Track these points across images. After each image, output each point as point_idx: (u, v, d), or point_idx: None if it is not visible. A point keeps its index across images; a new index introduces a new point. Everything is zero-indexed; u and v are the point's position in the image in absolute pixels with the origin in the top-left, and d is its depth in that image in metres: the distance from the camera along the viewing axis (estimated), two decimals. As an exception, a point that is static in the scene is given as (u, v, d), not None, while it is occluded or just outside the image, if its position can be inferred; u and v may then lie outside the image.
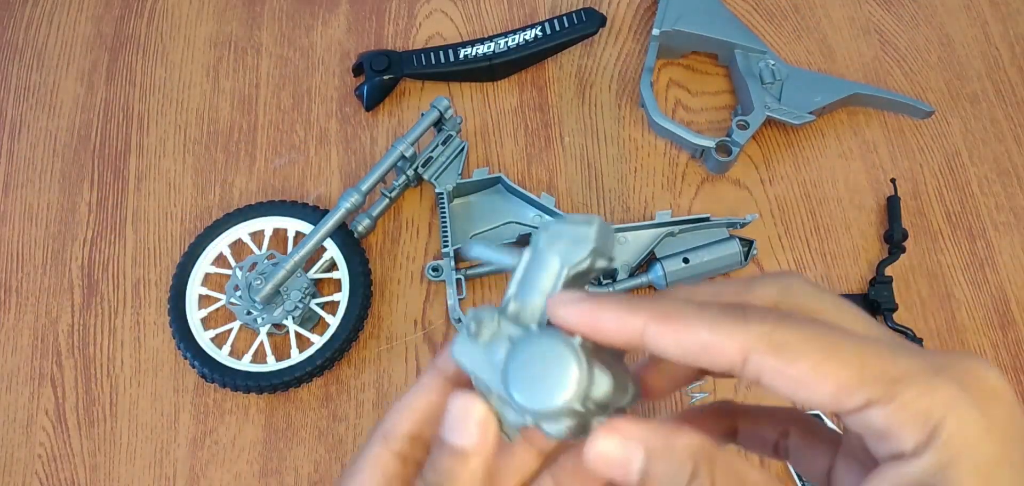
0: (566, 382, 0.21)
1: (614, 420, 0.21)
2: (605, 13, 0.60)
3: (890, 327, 0.52)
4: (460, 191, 0.53)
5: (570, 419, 0.22)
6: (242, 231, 0.52)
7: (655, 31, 0.58)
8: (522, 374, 0.22)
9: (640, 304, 0.22)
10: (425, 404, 0.25)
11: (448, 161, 0.53)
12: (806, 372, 0.20)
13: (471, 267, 0.52)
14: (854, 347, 0.20)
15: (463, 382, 0.24)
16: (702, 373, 0.25)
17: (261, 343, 0.50)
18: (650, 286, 0.52)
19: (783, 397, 0.20)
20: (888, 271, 0.53)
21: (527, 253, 0.25)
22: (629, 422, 0.21)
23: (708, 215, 0.53)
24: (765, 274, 0.24)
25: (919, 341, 0.51)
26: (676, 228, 0.52)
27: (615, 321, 0.22)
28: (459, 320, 0.50)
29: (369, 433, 0.25)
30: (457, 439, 0.23)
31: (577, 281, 0.24)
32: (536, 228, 0.51)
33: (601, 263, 0.25)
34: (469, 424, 0.23)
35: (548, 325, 0.23)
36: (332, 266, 0.52)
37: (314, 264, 0.51)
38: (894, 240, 0.54)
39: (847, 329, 0.21)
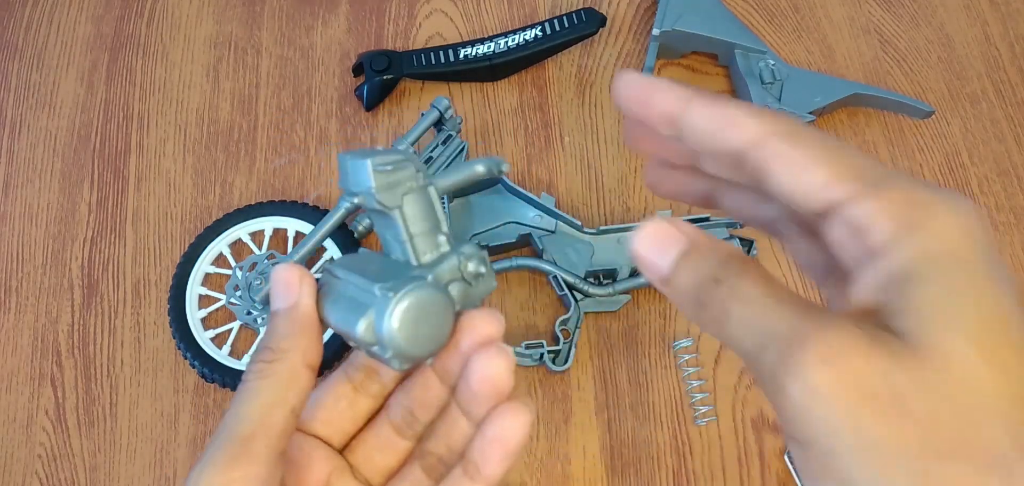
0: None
1: (659, 220, 0.24)
2: (605, 13, 0.60)
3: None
4: (460, 191, 0.54)
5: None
6: (242, 231, 0.52)
7: (655, 31, 0.58)
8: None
9: (684, 87, 0.24)
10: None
11: (448, 161, 0.53)
12: (807, 158, 0.21)
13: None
14: (851, 152, 0.22)
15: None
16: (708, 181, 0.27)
17: (261, 343, 0.50)
18: (650, 286, 0.52)
19: (779, 183, 0.22)
20: (888, 271, 0.53)
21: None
22: (669, 222, 0.23)
23: (708, 215, 0.53)
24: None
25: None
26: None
27: (668, 94, 0.24)
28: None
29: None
30: (282, 303, 0.28)
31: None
32: (536, 228, 0.52)
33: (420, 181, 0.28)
34: (290, 285, 0.27)
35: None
36: (332, 266, 0.52)
37: (314, 264, 0.51)
38: (894, 240, 0.54)
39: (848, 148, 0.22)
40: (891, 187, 0.21)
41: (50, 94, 0.59)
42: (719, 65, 0.61)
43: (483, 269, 0.28)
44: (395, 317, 0.24)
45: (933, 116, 0.59)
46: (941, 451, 0.18)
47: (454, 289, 0.27)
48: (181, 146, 0.57)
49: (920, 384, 0.19)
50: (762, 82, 0.57)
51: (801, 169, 0.21)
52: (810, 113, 0.56)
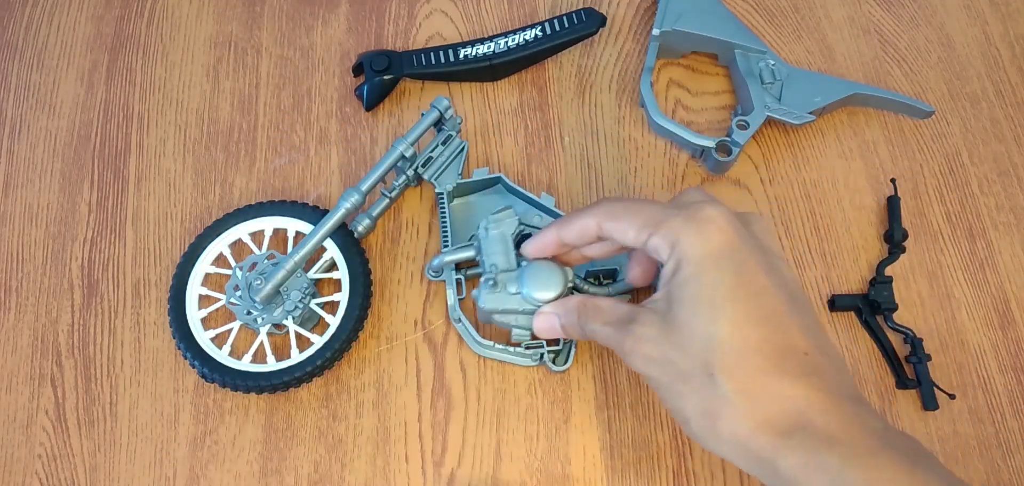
0: (558, 280, 0.45)
1: (542, 309, 0.45)
2: (605, 13, 0.60)
3: (890, 327, 0.52)
4: (460, 191, 0.54)
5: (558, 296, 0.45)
6: (242, 231, 0.52)
7: (655, 31, 0.58)
8: (532, 282, 0.45)
9: (555, 229, 0.44)
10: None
11: (448, 161, 0.53)
12: (622, 223, 0.39)
13: (469, 267, 0.52)
14: (649, 207, 0.39)
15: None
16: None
17: (261, 343, 0.50)
18: (650, 287, 0.52)
19: (618, 239, 0.40)
20: (888, 271, 0.53)
21: (479, 240, 0.48)
22: (548, 307, 0.45)
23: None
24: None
25: (919, 341, 0.51)
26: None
27: (552, 241, 0.44)
28: (459, 320, 0.50)
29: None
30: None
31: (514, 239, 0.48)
32: (536, 228, 0.52)
33: (520, 225, 0.49)
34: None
35: (520, 261, 0.47)
36: (332, 266, 0.52)
37: (314, 264, 0.51)
38: (894, 240, 0.54)
39: (650, 204, 0.40)
40: (663, 223, 0.37)
41: (50, 94, 0.59)
42: (719, 65, 0.61)
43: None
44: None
45: (933, 116, 0.59)
46: (678, 380, 0.36)
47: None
48: (181, 146, 0.57)
49: (673, 344, 0.36)
50: (762, 82, 0.57)
51: (620, 230, 0.40)
52: (810, 113, 0.56)
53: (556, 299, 0.44)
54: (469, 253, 0.49)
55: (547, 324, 0.43)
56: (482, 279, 0.47)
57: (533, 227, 0.52)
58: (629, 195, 0.56)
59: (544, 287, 0.45)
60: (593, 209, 0.41)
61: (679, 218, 0.36)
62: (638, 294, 0.52)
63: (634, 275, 0.46)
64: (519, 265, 0.46)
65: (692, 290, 0.35)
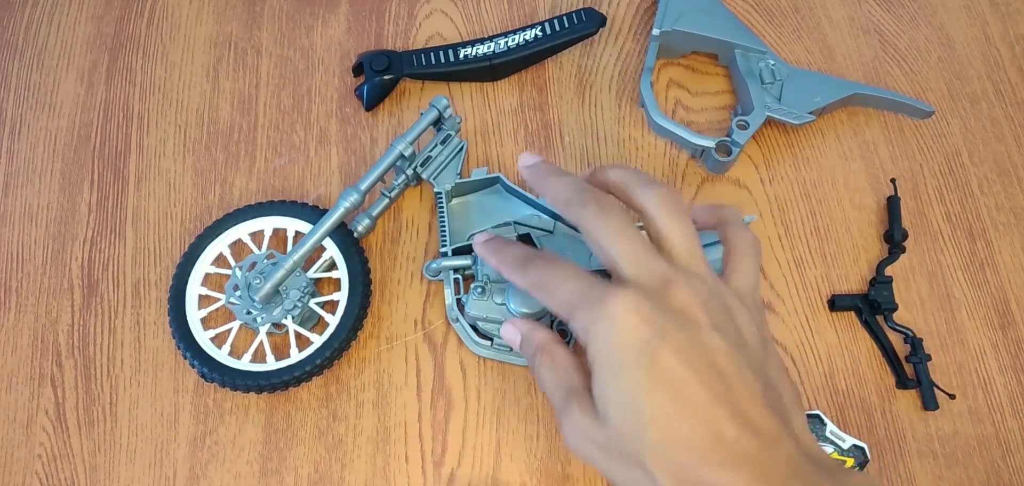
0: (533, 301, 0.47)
1: (515, 318, 0.44)
2: (605, 13, 0.60)
3: (890, 327, 0.52)
4: (459, 190, 0.54)
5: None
6: (242, 231, 0.52)
7: (655, 31, 0.58)
8: (516, 296, 0.48)
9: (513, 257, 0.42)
10: None
11: (447, 160, 0.53)
12: (546, 296, 0.38)
13: (467, 268, 0.52)
14: (568, 283, 0.37)
15: None
16: None
17: (261, 343, 0.50)
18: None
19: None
20: (888, 271, 0.53)
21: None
22: (520, 320, 0.43)
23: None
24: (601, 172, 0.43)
25: (919, 341, 0.51)
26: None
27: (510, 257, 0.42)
28: (457, 319, 0.50)
29: None
30: None
31: None
32: (535, 228, 0.52)
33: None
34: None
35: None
36: (332, 266, 0.52)
37: (313, 263, 0.51)
38: (894, 240, 0.54)
39: (572, 273, 0.38)
40: (579, 316, 0.36)
41: (50, 94, 0.59)
42: (719, 65, 0.61)
43: None
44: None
45: (933, 116, 0.59)
46: (615, 462, 0.35)
47: None
48: (181, 146, 0.57)
49: (606, 435, 0.35)
50: (762, 82, 0.57)
51: (546, 300, 0.38)
52: (810, 113, 0.56)
53: (531, 317, 0.46)
54: (465, 262, 0.50)
55: (508, 334, 0.43)
56: (472, 286, 0.49)
57: (533, 227, 0.52)
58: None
59: (525, 304, 0.47)
60: (534, 258, 0.40)
61: (590, 312, 0.35)
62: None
63: None
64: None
65: (612, 391, 0.34)
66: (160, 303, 0.52)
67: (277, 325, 0.50)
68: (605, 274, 0.52)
